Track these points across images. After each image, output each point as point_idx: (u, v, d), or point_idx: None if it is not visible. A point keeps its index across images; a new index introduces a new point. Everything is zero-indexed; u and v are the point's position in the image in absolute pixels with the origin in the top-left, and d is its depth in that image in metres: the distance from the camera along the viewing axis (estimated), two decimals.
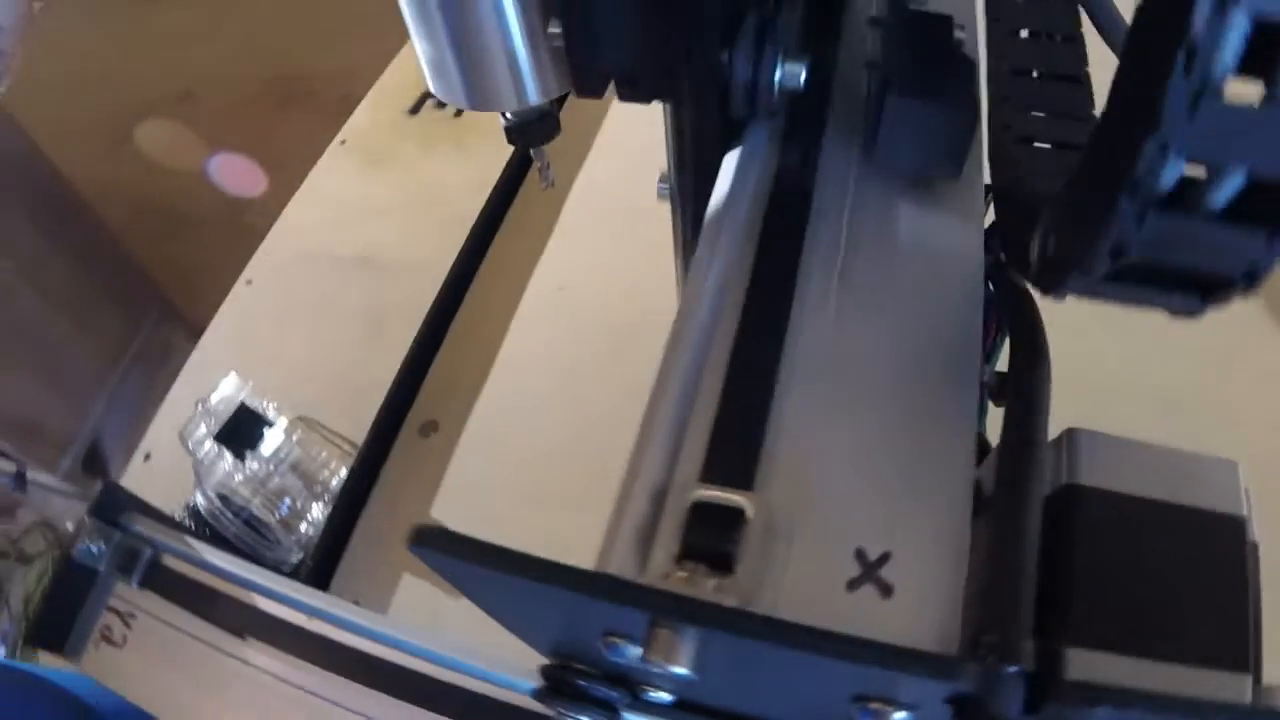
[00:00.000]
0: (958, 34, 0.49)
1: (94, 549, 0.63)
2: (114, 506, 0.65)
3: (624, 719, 0.53)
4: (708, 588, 0.33)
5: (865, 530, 0.36)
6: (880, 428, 0.39)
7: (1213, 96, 0.23)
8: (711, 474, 0.36)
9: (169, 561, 0.66)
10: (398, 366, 0.94)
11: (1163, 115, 0.24)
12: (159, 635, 0.63)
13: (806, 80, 0.49)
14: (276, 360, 1.01)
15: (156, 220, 1.91)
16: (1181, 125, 0.24)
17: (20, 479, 1.68)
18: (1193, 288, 0.32)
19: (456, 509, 0.85)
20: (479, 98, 0.56)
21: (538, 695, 0.50)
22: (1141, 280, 0.32)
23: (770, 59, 0.48)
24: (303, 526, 0.89)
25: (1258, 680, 0.36)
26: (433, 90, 0.57)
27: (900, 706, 0.32)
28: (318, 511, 0.89)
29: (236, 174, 1.78)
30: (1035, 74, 0.50)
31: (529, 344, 1.00)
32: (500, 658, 0.55)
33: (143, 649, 0.63)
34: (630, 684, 0.50)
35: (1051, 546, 0.37)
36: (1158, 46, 0.24)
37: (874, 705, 0.32)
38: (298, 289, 1.07)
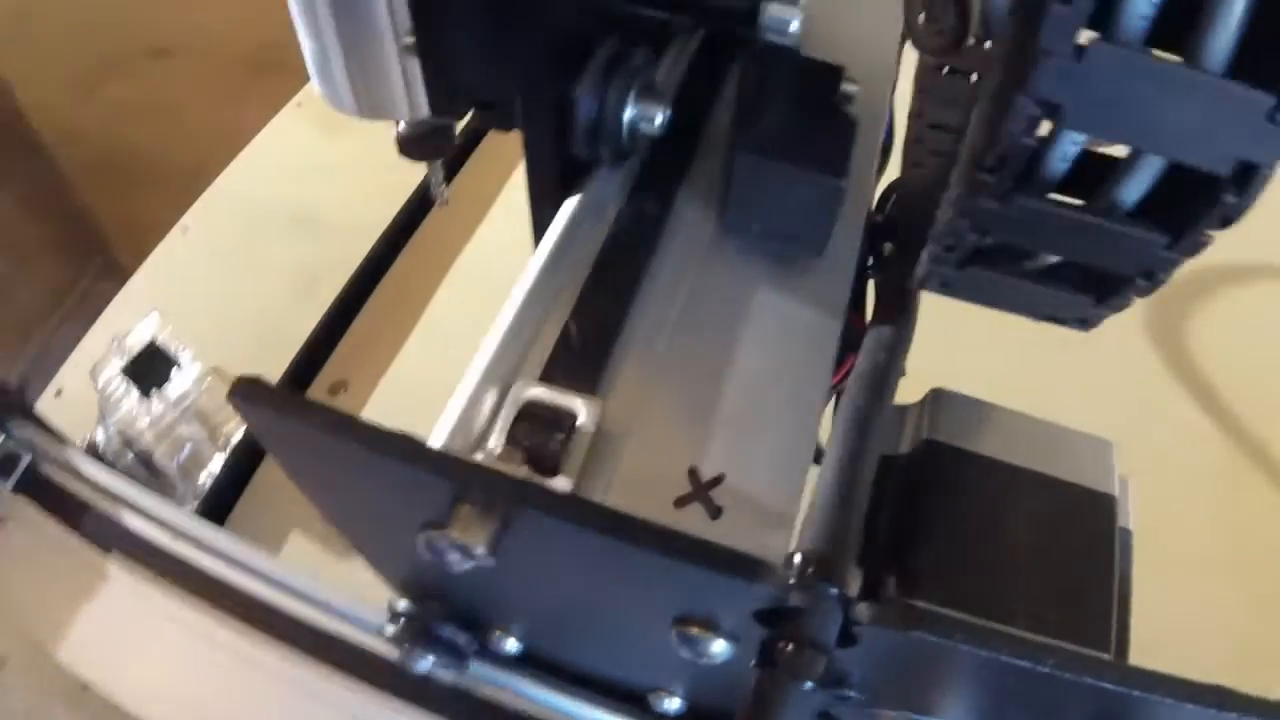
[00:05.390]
0: (846, 88, 0.43)
1: None
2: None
3: (472, 668, 0.52)
4: (520, 474, 0.32)
5: (703, 449, 0.35)
6: (733, 358, 0.38)
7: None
8: (553, 376, 0.35)
9: (49, 471, 0.64)
10: None
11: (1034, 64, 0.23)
12: (27, 541, 0.62)
13: (667, 125, 0.43)
14: (201, 309, 0.99)
15: (118, 175, 1.88)
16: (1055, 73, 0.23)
17: None
18: (1088, 290, 0.32)
19: None
20: (367, 104, 0.51)
21: (384, 633, 0.49)
22: (1035, 278, 0.31)
23: (618, 96, 0.42)
24: (201, 476, 0.87)
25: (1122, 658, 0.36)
26: (320, 93, 0.52)
27: (720, 633, 0.31)
28: (218, 463, 0.87)
29: None
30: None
31: (452, 313, 0.99)
32: (360, 599, 0.54)
33: (6, 553, 0.62)
34: (479, 629, 0.49)
35: (905, 501, 0.37)
36: None
37: (694, 630, 0.31)
38: (234, 241, 1.05)
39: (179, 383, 0.87)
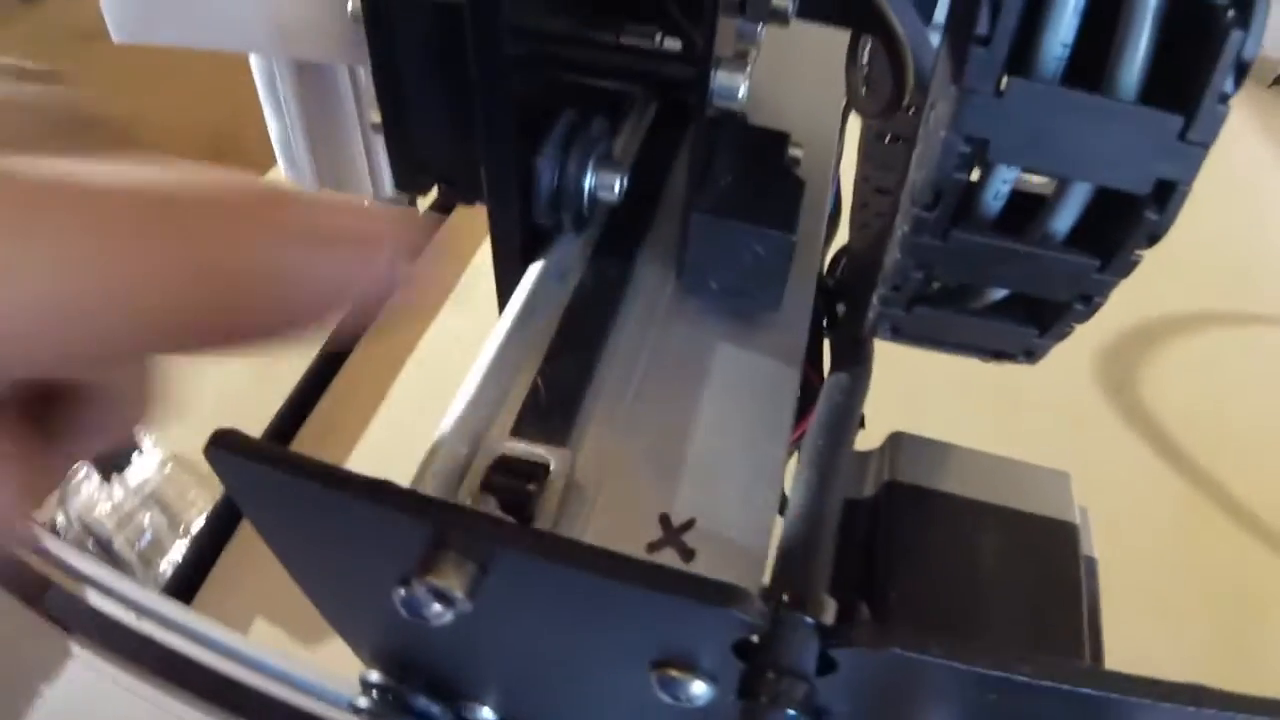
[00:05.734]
0: (793, 152, 0.46)
1: None
2: None
3: None
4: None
5: (672, 497, 0.36)
6: (697, 411, 0.40)
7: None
8: (523, 430, 0.36)
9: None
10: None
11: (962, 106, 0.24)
12: None
13: (625, 191, 0.45)
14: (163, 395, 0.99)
15: None
16: (979, 110, 0.25)
17: None
18: (1031, 322, 0.33)
19: None
20: (331, 182, 0.54)
21: (357, 706, 0.49)
22: (979, 313, 0.33)
23: (577, 166, 0.44)
24: (162, 563, 0.86)
25: None
26: (284, 172, 0.54)
27: (699, 673, 0.32)
28: (179, 551, 0.86)
29: None
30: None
31: (415, 396, 1.00)
32: (326, 672, 0.54)
33: None
34: (455, 700, 0.49)
35: (872, 541, 0.38)
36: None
37: (673, 673, 0.32)
38: None
39: (140, 469, 0.86)
